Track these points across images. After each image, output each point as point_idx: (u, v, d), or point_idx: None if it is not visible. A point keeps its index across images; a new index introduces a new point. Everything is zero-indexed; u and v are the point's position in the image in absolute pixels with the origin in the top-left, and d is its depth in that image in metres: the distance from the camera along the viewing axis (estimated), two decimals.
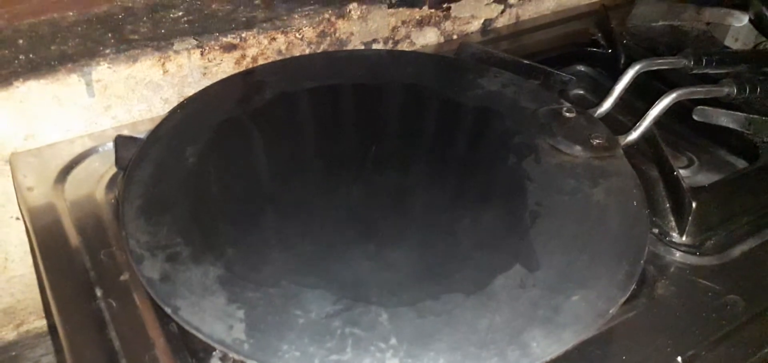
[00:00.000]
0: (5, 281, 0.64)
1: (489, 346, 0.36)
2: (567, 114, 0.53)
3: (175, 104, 0.60)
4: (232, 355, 0.36)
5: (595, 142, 0.51)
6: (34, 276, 0.65)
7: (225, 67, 0.63)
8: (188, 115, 0.53)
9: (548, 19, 0.81)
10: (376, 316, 0.38)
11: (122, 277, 0.45)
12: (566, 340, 0.37)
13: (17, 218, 0.60)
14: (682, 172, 0.52)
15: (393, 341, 0.36)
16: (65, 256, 0.47)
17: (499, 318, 0.38)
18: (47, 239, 0.48)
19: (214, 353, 0.40)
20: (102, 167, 0.55)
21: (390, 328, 0.37)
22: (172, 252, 0.41)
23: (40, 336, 0.70)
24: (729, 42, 0.88)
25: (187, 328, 0.37)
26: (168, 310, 0.38)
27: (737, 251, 0.50)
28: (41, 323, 0.69)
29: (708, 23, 0.74)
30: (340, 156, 0.52)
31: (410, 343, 0.36)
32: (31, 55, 0.54)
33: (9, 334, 0.68)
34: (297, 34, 0.66)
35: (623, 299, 0.40)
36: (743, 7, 0.73)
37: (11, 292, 0.65)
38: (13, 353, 0.69)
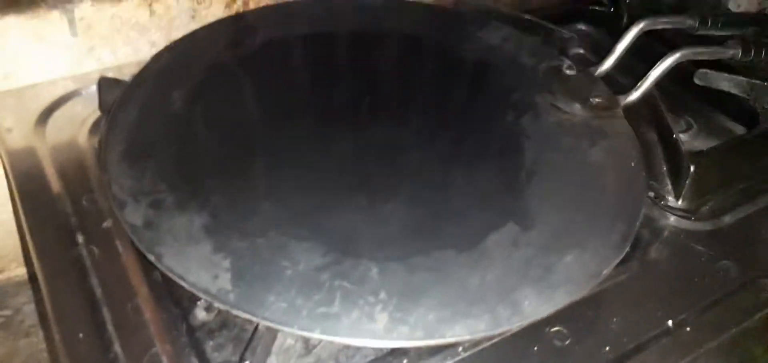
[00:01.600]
0: None
1: (480, 303, 0.36)
2: (567, 71, 0.52)
3: (162, 47, 0.58)
4: (217, 304, 0.35)
5: (595, 101, 0.50)
6: (15, 222, 0.63)
7: (215, 10, 0.61)
8: (175, 58, 0.51)
9: None
10: (366, 270, 0.37)
11: (105, 224, 0.44)
12: (558, 300, 0.37)
13: None
14: (680, 136, 0.51)
15: (382, 295, 0.36)
16: (46, 201, 0.46)
17: (491, 276, 0.37)
18: (27, 183, 0.47)
19: (198, 303, 0.39)
20: (85, 111, 0.53)
21: (380, 282, 0.36)
22: (155, 198, 0.40)
23: (22, 284, 0.68)
24: (731, 6, 0.86)
25: (170, 276, 0.36)
26: (151, 258, 0.37)
27: (732, 217, 0.49)
28: (23, 271, 0.68)
29: None
30: (332, 106, 0.50)
31: (400, 297, 0.36)
32: None
33: None
34: None
35: (617, 261, 0.39)
36: None
37: None
38: None
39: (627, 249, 0.40)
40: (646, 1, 0.70)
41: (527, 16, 0.63)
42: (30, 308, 0.69)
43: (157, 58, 0.51)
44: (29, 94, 0.54)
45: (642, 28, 0.53)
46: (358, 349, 0.38)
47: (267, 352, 0.36)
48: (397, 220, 0.41)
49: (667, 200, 0.49)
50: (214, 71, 0.50)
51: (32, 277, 0.64)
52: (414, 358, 0.38)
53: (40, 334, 0.67)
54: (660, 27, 0.55)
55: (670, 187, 0.49)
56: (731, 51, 0.54)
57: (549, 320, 0.40)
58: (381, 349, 0.38)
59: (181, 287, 0.37)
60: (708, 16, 0.56)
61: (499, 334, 0.39)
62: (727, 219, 0.49)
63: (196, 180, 0.41)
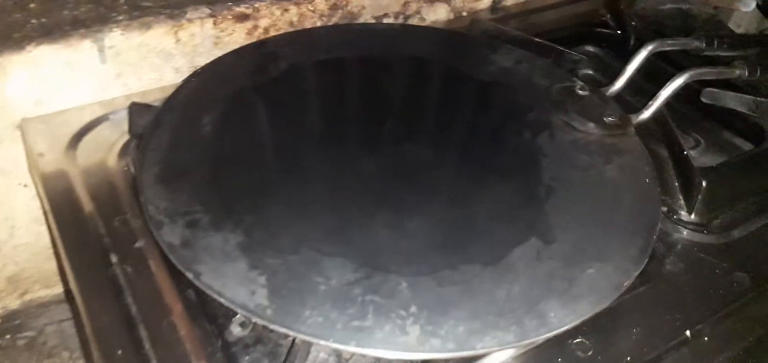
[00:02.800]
0: (11, 249, 0.64)
1: (507, 314, 0.37)
2: (580, 92, 0.54)
3: (185, 74, 0.60)
4: (254, 319, 0.36)
5: (608, 120, 0.51)
6: (39, 245, 0.65)
7: (237, 37, 0.63)
8: (203, 83, 0.53)
9: None
10: (396, 285, 0.38)
11: (137, 244, 0.45)
12: (582, 312, 0.38)
13: (25, 185, 0.60)
14: (690, 152, 0.53)
15: (413, 309, 0.37)
16: (79, 223, 0.47)
17: (517, 288, 0.39)
18: (61, 205, 0.48)
19: (234, 319, 0.40)
20: (113, 135, 0.55)
21: (410, 296, 0.38)
22: (191, 218, 0.41)
23: (44, 305, 0.70)
24: (732, 27, 0.88)
25: (209, 293, 0.37)
26: (189, 275, 0.38)
27: (743, 231, 0.51)
28: (45, 292, 0.69)
29: (715, 7, 0.75)
30: (354, 128, 0.52)
31: (430, 310, 0.37)
32: (43, 19, 0.54)
33: (13, 303, 0.68)
34: (309, 6, 0.66)
35: (637, 272, 0.41)
36: None
37: (16, 260, 0.65)
38: (17, 322, 0.69)
39: (646, 261, 0.41)
40: (651, 23, 0.72)
41: (537, 39, 0.65)
42: (52, 329, 0.70)
43: (185, 83, 0.53)
44: (59, 120, 0.55)
45: (651, 51, 0.55)
46: (390, 362, 0.39)
47: None
48: (423, 236, 0.42)
49: (680, 215, 0.51)
50: (240, 96, 0.52)
51: (68, 294, 0.65)
52: None
53: (63, 354, 0.68)
54: (668, 48, 0.57)
55: (682, 201, 0.51)
56: (738, 71, 0.56)
57: (572, 332, 0.41)
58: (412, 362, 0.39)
59: (216, 304, 0.39)
60: (714, 37, 0.58)
61: (526, 346, 0.40)
62: (738, 232, 0.50)
63: (229, 200, 0.43)
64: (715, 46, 0.57)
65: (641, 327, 0.43)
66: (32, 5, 0.53)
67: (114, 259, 0.44)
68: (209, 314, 0.41)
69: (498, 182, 0.47)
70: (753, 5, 0.71)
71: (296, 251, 0.40)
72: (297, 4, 0.65)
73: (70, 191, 0.49)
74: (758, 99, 0.57)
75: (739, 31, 0.89)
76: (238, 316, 0.40)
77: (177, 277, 0.42)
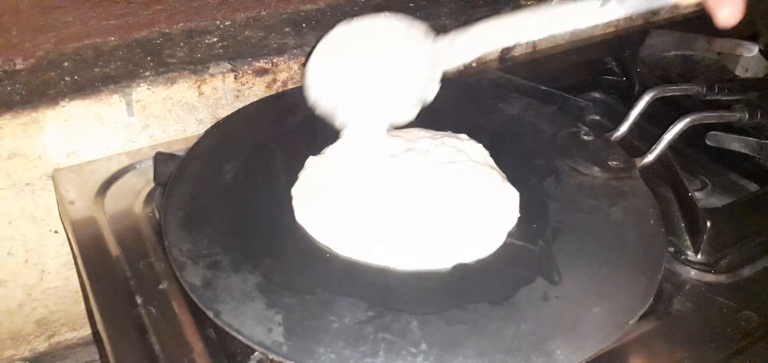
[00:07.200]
0: (41, 292, 0.66)
1: (515, 353, 0.38)
2: (585, 137, 0.56)
3: (208, 125, 0.63)
4: (271, 356, 0.38)
5: (613, 163, 0.53)
6: (68, 289, 0.67)
7: (256, 90, 0.66)
8: (224, 134, 0.56)
9: (564, 48, 0.83)
10: (407, 324, 0.40)
11: (161, 286, 0.47)
12: (589, 349, 0.39)
13: (55, 231, 0.63)
14: (696, 194, 0.54)
15: (423, 347, 0.38)
16: (107, 266, 0.49)
17: (524, 327, 0.40)
18: (89, 250, 0.51)
19: (252, 356, 0.42)
20: (139, 183, 0.58)
21: (420, 334, 0.39)
22: (212, 260, 0.43)
23: (71, 348, 0.71)
24: (739, 72, 0.90)
25: (228, 330, 0.39)
26: (210, 314, 0.40)
27: (750, 270, 0.51)
28: (73, 335, 0.71)
29: (719, 53, 0.77)
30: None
31: (440, 348, 0.38)
32: (75, 77, 0.57)
33: (41, 345, 0.70)
34: None
35: (642, 311, 0.42)
36: (753, 38, 0.75)
37: (46, 303, 0.67)
38: None
39: (651, 300, 0.42)
40: (656, 69, 0.74)
41: (544, 87, 0.67)
42: None
43: (207, 134, 0.56)
44: (89, 170, 0.58)
45: (653, 96, 0.57)
46: None
47: None
48: (432, 277, 0.44)
49: (687, 255, 0.51)
50: (260, 145, 0.55)
51: (96, 335, 0.67)
52: None
53: None
54: (670, 94, 0.59)
55: (689, 242, 0.52)
56: (738, 114, 0.57)
57: None
58: None
59: (235, 342, 0.40)
60: (714, 83, 0.60)
61: None
62: (746, 271, 0.51)
63: (248, 244, 0.45)
64: (716, 90, 0.59)
65: None
66: (66, 64, 0.56)
67: (139, 300, 0.46)
68: (228, 352, 0.43)
69: None
70: (755, 50, 0.73)
71: (311, 292, 0.41)
72: None
73: (98, 237, 0.52)
74: (762, 141, 0.59)
75: (747, 74, 0.91)
76: (255, 353, 0.42)
77: (198, 316, 0.44)
